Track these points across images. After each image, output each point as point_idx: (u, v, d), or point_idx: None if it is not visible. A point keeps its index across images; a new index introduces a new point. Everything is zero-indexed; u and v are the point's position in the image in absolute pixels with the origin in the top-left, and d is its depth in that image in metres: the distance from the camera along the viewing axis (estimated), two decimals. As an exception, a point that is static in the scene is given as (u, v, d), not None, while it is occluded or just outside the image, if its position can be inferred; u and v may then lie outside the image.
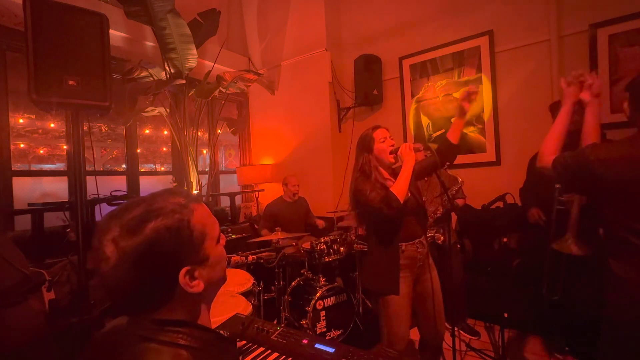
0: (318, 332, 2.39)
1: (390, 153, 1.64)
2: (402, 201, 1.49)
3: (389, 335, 1.61)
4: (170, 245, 0.56)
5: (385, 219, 1.55)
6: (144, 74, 3.07)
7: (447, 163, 1.86)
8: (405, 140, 3.45)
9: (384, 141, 1.65)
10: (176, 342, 0.56)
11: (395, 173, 1.65)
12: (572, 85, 1.33)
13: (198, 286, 0.59)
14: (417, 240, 1.64)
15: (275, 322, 2.45)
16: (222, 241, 0.69)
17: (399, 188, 1.51)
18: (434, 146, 3.04)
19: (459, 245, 2.69)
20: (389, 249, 1.60)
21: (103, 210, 2.26)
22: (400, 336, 1.59)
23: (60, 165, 3.23)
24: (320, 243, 2.60)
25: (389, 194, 1.50)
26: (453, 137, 1.69)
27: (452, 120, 1.86)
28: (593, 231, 1.49)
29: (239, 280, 2.22)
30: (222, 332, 0.68)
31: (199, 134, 3.57)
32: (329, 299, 2.46)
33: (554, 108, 2.14)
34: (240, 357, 1.01)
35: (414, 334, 1.79)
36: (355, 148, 1.74)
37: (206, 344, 0.59)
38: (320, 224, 3.38)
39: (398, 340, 1.59)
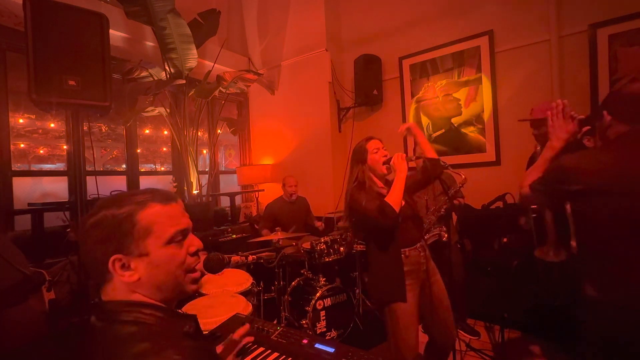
0: (318, 332, 2.39)
1: (383, 164, 1.66)
2: (397, 210, 1.50)
3: (397, 346, 1.56)
4: (106, 231, 0.62)
5: (382, 228, 1.55)
6: (144, 74, 3.07)
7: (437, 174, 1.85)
8: (404, 141, 3.45)
9: (376, 152, 1.67)
10: (129, 320, 0.61)
11: (389, 183, 1.66)
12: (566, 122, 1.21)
13: (130, 277, 0.63)
14: (418, 245, 1.63)
15: (275, 322, 2.45)
16: (192, 248, 0.69)
17: (394, 197, 1.52)
18: (435, 147, 3.08)
19: (459, 245, 2.69)
20: (391, 256, 1.59)
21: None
22: (409, 346, 1.55)
23: (60, 165, 3.22)
24: (320, 243, 2.60)
25: (384, 204, 1.50)
26: (429, 154, 1.71)
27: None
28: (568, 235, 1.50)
29: (239, 280, 2.22)
30: (180, 311, 0.72)
31: (199, 134, 3.57)
32: (328, 299, 2.46)
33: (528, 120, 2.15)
34: (240, 357, 1.01)
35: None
36: (350, 159, 1.77)
37: (158, 320, 0.64)
38: (320, 225, 3.36)
39: (407, 350, 1.55)
